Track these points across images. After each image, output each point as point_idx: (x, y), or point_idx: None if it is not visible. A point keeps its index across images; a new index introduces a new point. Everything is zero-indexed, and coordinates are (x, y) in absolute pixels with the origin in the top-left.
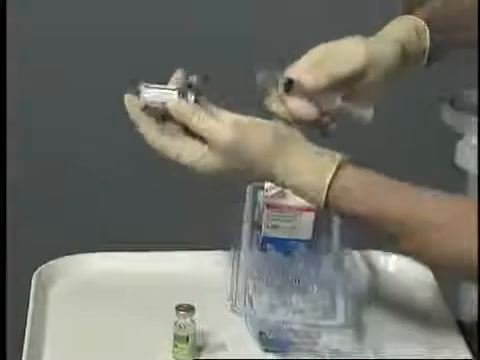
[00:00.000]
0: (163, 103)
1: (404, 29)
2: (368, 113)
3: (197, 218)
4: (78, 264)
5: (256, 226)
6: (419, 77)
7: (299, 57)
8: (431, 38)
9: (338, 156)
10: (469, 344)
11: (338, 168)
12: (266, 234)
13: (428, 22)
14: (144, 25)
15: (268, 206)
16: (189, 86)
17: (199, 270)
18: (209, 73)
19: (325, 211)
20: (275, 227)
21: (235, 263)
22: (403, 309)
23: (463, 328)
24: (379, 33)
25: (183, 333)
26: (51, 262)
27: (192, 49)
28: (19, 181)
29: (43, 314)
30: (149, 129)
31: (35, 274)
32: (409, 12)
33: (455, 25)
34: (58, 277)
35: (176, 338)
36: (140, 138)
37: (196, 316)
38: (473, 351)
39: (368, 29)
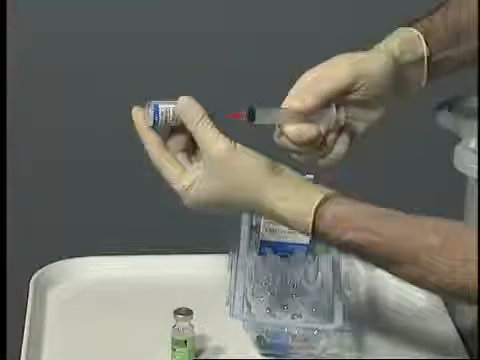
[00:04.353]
0: (171, 111)
1: (396, 40)
2: (361, 126)
3: (195, 222)
4: (76, 268)
5: (254, 230)
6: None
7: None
8: (430, 50)
9: (325, 190)
10: (468, 349)
11: (326, 196)
12: (264, 238)
13: (426, 33)
14: (145, 25)
15: None
16: None
17: (197, 274)
18: (209, 76)
19: (314, 238)
20: (273, 231)
21: (233, 267)
22: (401, 312)
23: (462, 332)
24: (375, 47)
25: (181, 337)
26: (49, 266)
27: (192, 49)
28: (19, 181)
29: (41, 317)
30: (151, 147)
31: (33, 278)
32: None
33: (454, 38)
34: (56, 281)
35: (174, 342)
36: (139, 141)
37: (194, 320)
38: (472, 356)
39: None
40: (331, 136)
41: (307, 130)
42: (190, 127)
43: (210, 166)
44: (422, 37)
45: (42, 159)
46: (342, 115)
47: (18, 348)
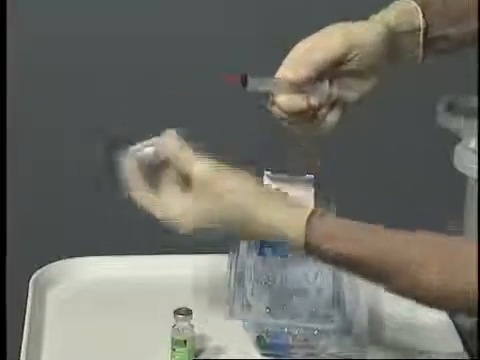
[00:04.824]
0: (149, 145)
1: (393, 12)
2: (354, 95)
3: None
4: (76, 268)
5: None
6: (418, 80)
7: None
8: (426, 22)
9: (314, 208)
10: (468, 349)
11: (314, 210)
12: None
13: (424, 6)
14: (145, 25)
15: None
16: None
17: (197, 274)
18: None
19: (307, 253)
20: None
21: (233, 267)
22: (401, 313)
23: (461, 332)
24: (370, 18)
25: (181, 337)
26: (49, 266)
27: (192, 49)
28: (19, 181)
29: (41, 317)
30: (134, 182)
31: (33, 278)
32: None
33: (452, 14)
34: (56, 281)
35: (174, 342)
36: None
37: (194, 320)
38: (472, 356)
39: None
40: (323, 109)
41: (299, 101)
42: (174, 161)
43: (202, 190)
44: (420, 9)
45: (42, 159)
46: (335, 90)
47: (18, 348)
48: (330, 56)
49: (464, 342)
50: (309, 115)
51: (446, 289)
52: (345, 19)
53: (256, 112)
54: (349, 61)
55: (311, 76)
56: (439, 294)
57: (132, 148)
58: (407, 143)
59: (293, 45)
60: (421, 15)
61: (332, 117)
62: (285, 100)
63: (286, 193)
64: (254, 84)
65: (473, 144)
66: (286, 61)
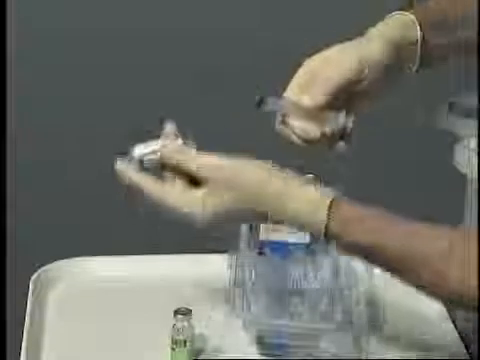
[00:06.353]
0: (152, 153)
1: (395, 26)
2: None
3: None
4: (76, 268)
5: (254, 229)
6: (417, 80)
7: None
8: (423, 35)
9: (332, 192)
10: (467, 349)
11: (335, 199)
12: (264, 237)
13: (421, 18)
14: (145, 25)
15: None
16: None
17: (197, 273)
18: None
19: (327, 241)
20: (273, 230)
21: (233, 266)
22: (401, 312)
23: (462, 332)
24: (370, 33)
25: (181, 337)
26: (49, 266)
27: (192, 50)
28: (19, 181)
29: (41, 317)
30: (147, 185)
31: (33, 278)
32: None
33: (447, 24)
34: (56, 281)
35: (174, 342)
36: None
37: (194, 320)
38: (472, 356)
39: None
40: (334, 138)
41: (313, 130)
42: (182, 162)
43: (217, 187)
44: (416, 21)
45: (42, 159)
46: (350, 123)
47: (18, 348)
48: (346, 77)
49: (465, 342)
50: (321, 142)
51: (464, 286)
52: (344, 14)
53: (256, 112)
54: (362, 80)
55: (329, 101)
56: (459, 290)
57: (135, 153)
58: (407, 143)
59: (293, 45)
60: (418, 27)
61: (343, 144)
62: (300, 127)
63: (304, 179)
64: (270, 105)
65: (473, 144)
66: (299, 81)
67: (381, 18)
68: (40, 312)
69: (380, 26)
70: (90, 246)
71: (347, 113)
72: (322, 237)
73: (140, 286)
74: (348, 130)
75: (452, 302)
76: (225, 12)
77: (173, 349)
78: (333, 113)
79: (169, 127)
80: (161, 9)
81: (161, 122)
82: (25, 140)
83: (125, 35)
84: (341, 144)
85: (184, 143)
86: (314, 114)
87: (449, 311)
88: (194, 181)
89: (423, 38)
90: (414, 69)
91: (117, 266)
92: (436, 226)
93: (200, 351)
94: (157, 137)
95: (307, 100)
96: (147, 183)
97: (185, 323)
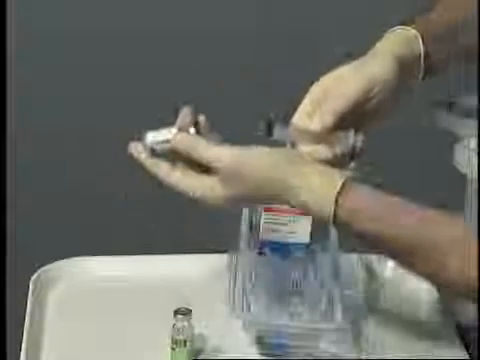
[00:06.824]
0: (165, 141)
1: (399, 42)
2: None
3: (195, 221)
4: (76, 268)
5: (254, 229)
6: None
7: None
8: (426, 49)
9: (344, 173)
10: (467, 348)
11: (345, 183)
12: (264, 238)
13: (423, 32)
14: (145, 25)
15: (266, 209)
16: (196, 124)
17: (197, 273)
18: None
19: (334, 227)
20: (273, 231)
21: (233, 266)
22: (401, 312)
23: (462, 331)
24: (374, 49)
25: (181, 337)
26: (49, 266)
27: (192, 50)
28: (19, 181)
29: (41, 317)
30: (158, 168)
31: (33, 278)
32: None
33: (449, 36)
34: (56, 281)
35: (174, 342)
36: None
37: (194, 320)
38: (472, 355)
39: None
40: (345, 158)
41: (324, 152)
42: (194, 154)
43: (228, 176)
44: (419, 35)
45: (42, 159)
46: (359, 142)
47: (18, 348)
48: (353, 98)
49: (464, 341)
50: (333, 162)
51: (466, 276)
52: (343, 21)
53: (256, 112)
54: (370, 99)
55: (336, 122)
56: (463, 280)
57: (148, 140)
58: (407, 143)
59: (293, 45)
60: (421, 42)
61: (354, 164)
62: (311, 152)
63: (315, 163)
64: (279, 133)
65: (473, 144)
66: (308, 107)
67: (382, 23)
68: (40, 312)
69: (385, 42)
70: (90, 246)
71: (356, 132)
72: (331, 220)
73: (140, 286)
74: (357, 149)
75: (454, 290)
76: (225, 12)
77: (173, 349)
78: (342, 133)
79: (186, 109)
80: (161, 9)
81: (176, 112)
82: (25, 140)
83: (125, 35)
84: (352, 165)
85: (208, 135)
86: (323, 137)
87: (448, 306)
88: (205, 169)
89: (426, 51)
90: (419, 79)
91: (117, 266)
92: (453, 214)
93: (200, 351)
94: (171, 124)
95: (315, 124)
96: (160, 166)
97: (185, 323)
